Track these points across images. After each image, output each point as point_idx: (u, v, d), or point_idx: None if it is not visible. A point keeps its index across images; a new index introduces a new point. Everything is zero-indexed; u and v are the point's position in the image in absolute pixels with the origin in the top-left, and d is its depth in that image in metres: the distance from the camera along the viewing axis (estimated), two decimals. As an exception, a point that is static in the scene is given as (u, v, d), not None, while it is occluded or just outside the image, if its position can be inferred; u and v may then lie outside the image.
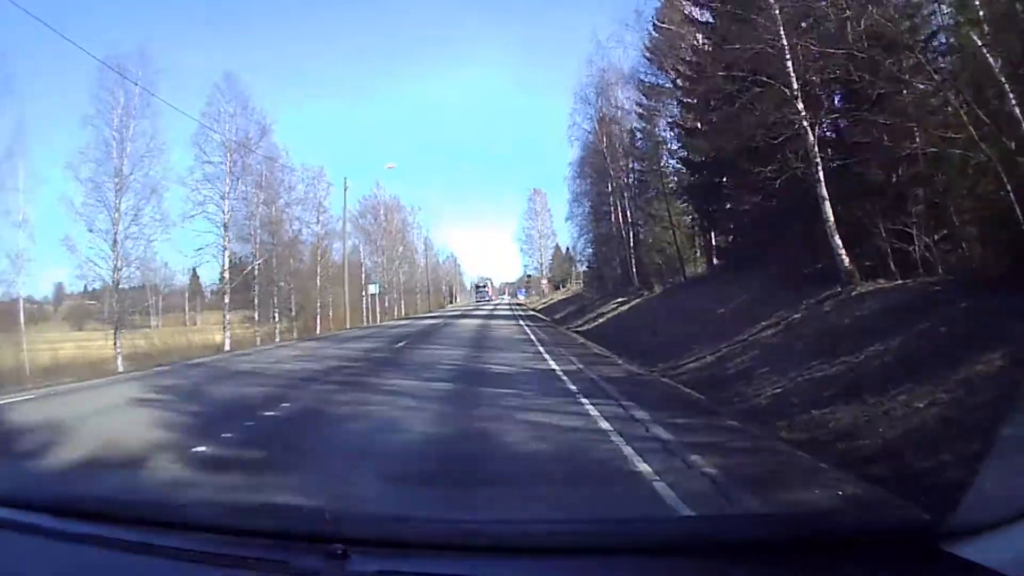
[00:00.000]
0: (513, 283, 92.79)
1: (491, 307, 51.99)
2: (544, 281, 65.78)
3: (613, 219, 30.07)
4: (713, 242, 21.99)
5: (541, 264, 66.14)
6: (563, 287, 60.28)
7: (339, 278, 30.99)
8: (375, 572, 1.22)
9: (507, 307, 50.95)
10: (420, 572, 1.24)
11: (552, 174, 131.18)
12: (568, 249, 62.94)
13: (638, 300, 22.44)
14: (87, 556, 1.40)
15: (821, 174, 9.83)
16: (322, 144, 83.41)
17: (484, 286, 77.31)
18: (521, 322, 25.35)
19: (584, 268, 45.21)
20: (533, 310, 43.46)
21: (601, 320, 22.66)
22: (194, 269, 32.57)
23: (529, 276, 72.01)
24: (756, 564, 1.24)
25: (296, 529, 1.41)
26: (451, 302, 74.54)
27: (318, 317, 28.29)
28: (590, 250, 39.52)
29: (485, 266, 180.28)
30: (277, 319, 25.28)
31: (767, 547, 1.27)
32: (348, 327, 27.48)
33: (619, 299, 24.89)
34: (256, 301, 24.60)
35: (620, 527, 1.54)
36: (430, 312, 47.98)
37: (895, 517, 1.68)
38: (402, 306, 48.90)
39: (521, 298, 72.10)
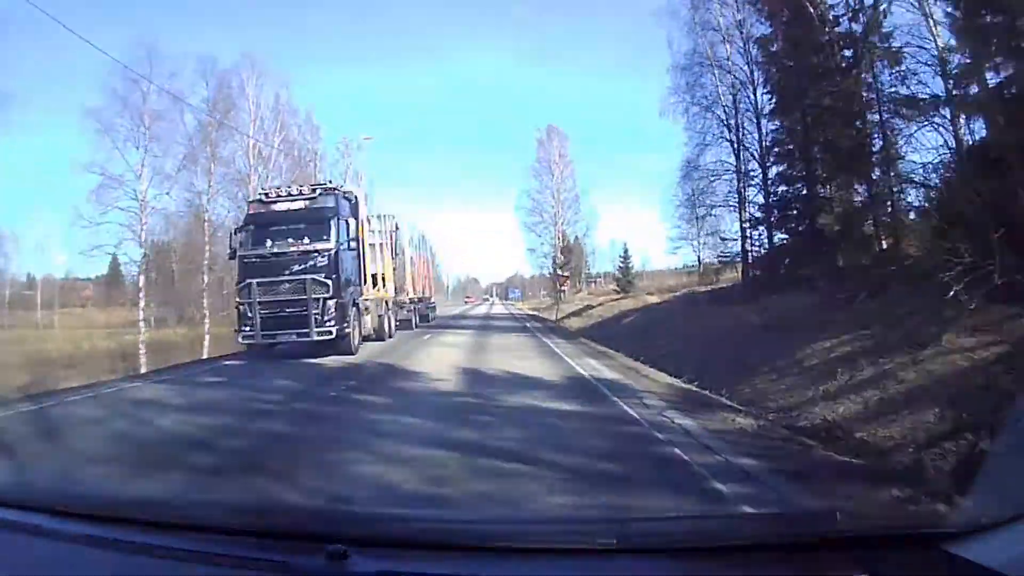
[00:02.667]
0: (502, 284, 77.39)
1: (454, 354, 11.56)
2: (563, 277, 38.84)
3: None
4: None
5: (556, 247, 37.09)
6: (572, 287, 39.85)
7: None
8: (375, 572, 1.22)
9: (507, 317, 30.48)
10: (420, 572, 1.23)
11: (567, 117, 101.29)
12: (576, 238, 39.08)
13: None
14: (87, 556, 1.40)
15: None
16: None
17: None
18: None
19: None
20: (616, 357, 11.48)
21: None
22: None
23: (551, 271, 38.25)
24: (757, 563, 1.24)
25: (296, 529, 1.41)
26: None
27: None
28: (777, 185, 16.70)
29: (480, 266, 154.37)
30: None
31: (767, 547, 1.28)
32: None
33: None
34: None
35: (620, 527, 1.54)
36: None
37: (896, 517, 1.68)
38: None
39: (517, 302, 54.92)
